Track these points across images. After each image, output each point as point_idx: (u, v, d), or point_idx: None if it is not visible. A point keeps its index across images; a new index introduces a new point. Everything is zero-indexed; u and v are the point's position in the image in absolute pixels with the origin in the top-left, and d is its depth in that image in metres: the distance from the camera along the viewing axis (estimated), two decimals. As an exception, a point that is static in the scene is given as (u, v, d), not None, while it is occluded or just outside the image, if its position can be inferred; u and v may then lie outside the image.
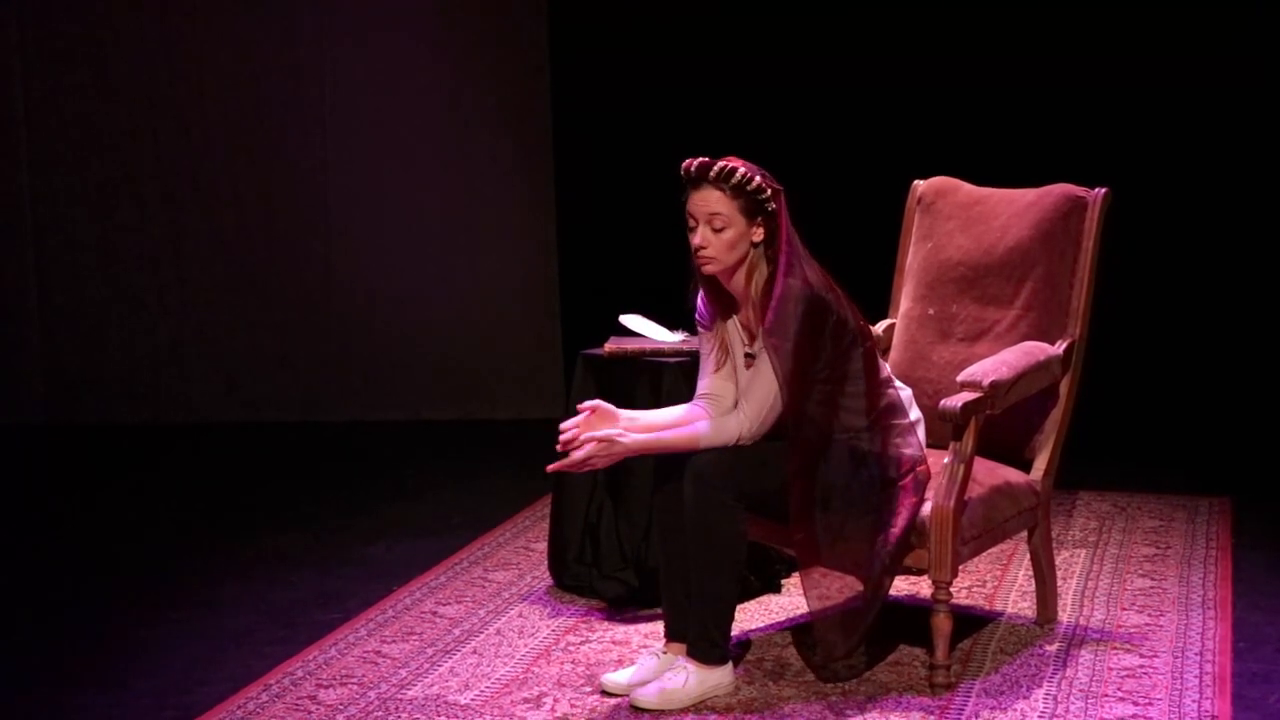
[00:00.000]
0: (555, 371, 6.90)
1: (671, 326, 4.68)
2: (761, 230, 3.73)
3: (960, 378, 3.88)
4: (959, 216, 4.33)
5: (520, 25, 6.92)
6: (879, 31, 6.35)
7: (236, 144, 7.01)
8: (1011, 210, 4.24)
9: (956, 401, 3.79)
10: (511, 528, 5.34)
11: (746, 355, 3.83)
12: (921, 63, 6.31)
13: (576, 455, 3.71)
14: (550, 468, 3.79)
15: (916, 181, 4.48)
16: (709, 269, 3.75)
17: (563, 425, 3.80)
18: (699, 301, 3.89)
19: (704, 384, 3.89)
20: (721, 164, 3.70)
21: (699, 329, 3.93)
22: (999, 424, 3.96)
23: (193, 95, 7.00)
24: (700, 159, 3.72)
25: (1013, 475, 4.09)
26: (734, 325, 3.86)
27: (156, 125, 7.02)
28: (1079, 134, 6.17)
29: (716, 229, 3.71)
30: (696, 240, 3.73)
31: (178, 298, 7.11)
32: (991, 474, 4.02)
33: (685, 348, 4.54)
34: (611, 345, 4.61)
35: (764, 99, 6.47)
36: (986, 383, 3.83)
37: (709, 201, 3.71)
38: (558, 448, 3.78)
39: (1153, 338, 6.27)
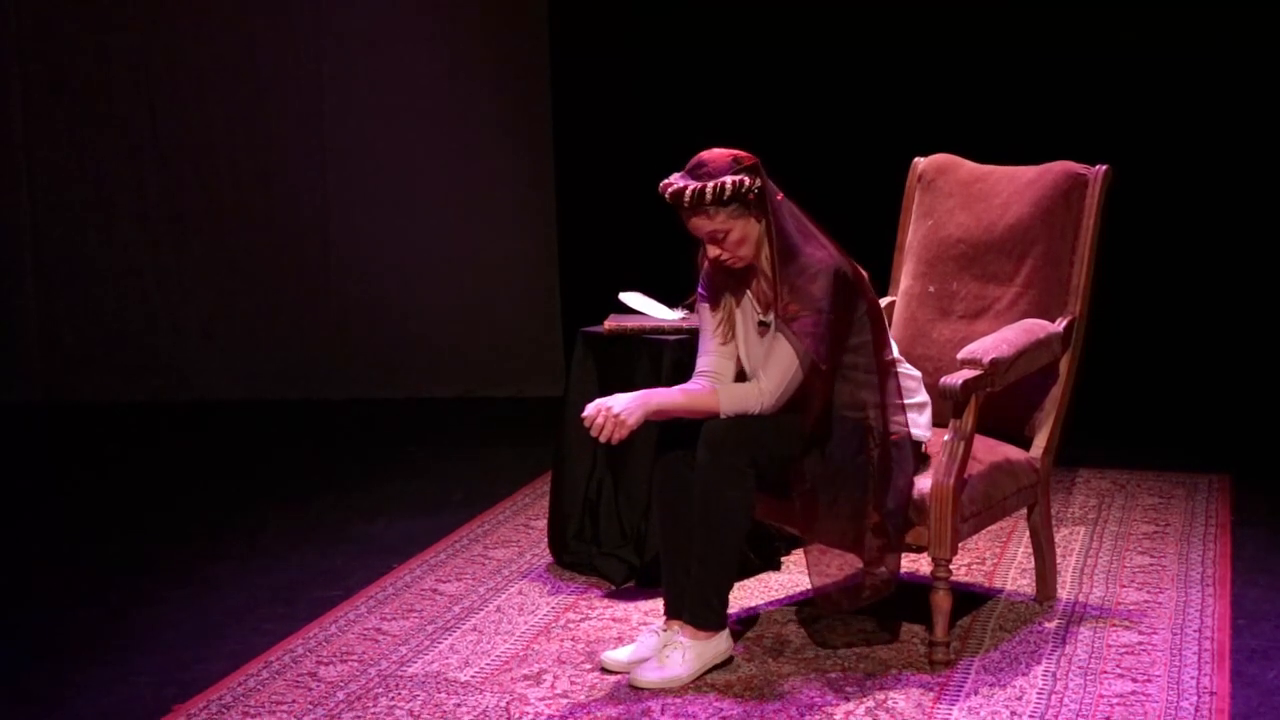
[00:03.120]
0: (555, 349, 6.89)
1: (671, 304, 4.68)
2: (761, 214, 3.74)
3: (960, 355, 3.87)
4: (959, 194, 4.32)
5: (521, 4, 6.90)
6: (878, 10, 6.33)
7: (235, 122, 6.99)
8: (1012, 187, 4.24)
9: (957, 379, 3.79)
10: (511, 505, 5.35)
11: (760, 324, 3.82)
12: (922, 40, 6.30)
13: (599, 424, 3.69)
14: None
15: (917, 159, 4.47)
16: (739, 265, 3.77)
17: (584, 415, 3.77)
18: (703, 274, 3.89)
19: (704, 360, 3.89)
20: (692, 189, 3.66)
21: (699, 303, 3.92)
22: (999, 401, 3.96)
23: (191, 72, 6.98)
24: (671, 188, 3.70)
25: (1013, 453, 4.09)
26: (747, 296, 3.85)
27: (155, 104, 7.00)
28: (1080, 111, 6.16)
29: (721, 239, 3.73)
30: (711, 255, 3.75)
31: (176, 276, 7.10)
32: (991, 451, 4.02)
33: (685, 325, 4.54)
34: (611, 323, 4.60)
35: (764, 76, 6.46)
36: (987, 360, 3.82)
37: (702, 225, 3.72)
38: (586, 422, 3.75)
39: (1153, 315, 6.28)
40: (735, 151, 3.73)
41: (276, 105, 6.98)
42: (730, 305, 3.86)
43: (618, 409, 3.69)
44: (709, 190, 3.66)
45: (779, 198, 3.76)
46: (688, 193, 3.68)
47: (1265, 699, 3.62)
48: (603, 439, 3.71)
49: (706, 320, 3.90)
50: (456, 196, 7.02)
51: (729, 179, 3.67)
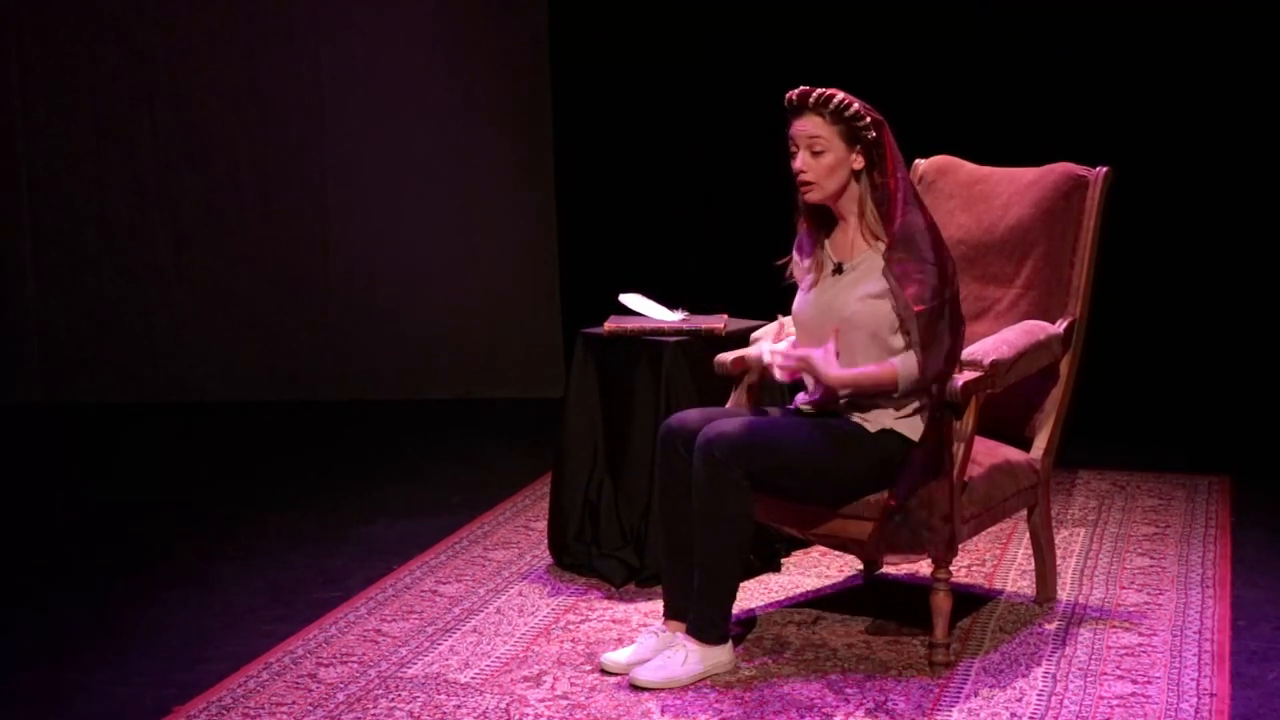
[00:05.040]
0: (555, 350, 6.89)
1: (671, 305, 4.68)
2: (861, 158, 3.78)
3: (961, 356, 3.87)
4: (960, 195, 4.32)
5: (521, 5, 6.89)
6: (879, 11, 6.33)
7: (235, 121, 7.00)
8: (1013, 189, 4.24)
9: (957, 380, 3.79)
10: (511, 506, 5.34)
11: (835, 269, 3.83)
12: (921, 41, 6.30)
13: (782, 362, 3.72)
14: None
15: (918, 160, 4.47)
16: (810, 195, 3.81)
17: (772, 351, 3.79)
18: (795, 246, 3.93)
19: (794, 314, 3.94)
20: (820, 91, 3.78)
21: (790, 274, 3.94)
22: (999, 403, 3.96)
23: (190, 75, 6.98)
24: (802, 87, 3.80)
25: (1013, 454, 4.09)
26: (826, 250, 3.88)
27: (155, 106, 7.00)
28: (1080, 111, 6.16)
29: (815, 153, 3.77)
30: (797, 164, 3.80)
31: (175, 277, 7.10)
32: (991, 453, 4.02)
33: (685, 326, 4.54)
34: (611, 324, 4.60)
35: (764, 78, 6.43)
36: (987, 362, 3.82)
37: (808, 127, 3.78)
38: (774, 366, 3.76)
39: (1153, 317, 6.27)
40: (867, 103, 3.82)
41: (276, 106, 6.98)
42: (817, 262, 3.88)
43: (821, 369, 3.69)
44: (838, 98, 3.76)
45: (899, 156, 3.80)
46: (816, 91, 3.77)
47: (1265, 700, 3.62)
48: (780, 373, 3.71)
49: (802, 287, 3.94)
50: (456, 197, 7.02)
51: (859, 103, 3.77)
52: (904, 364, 3.74)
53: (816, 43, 6.36)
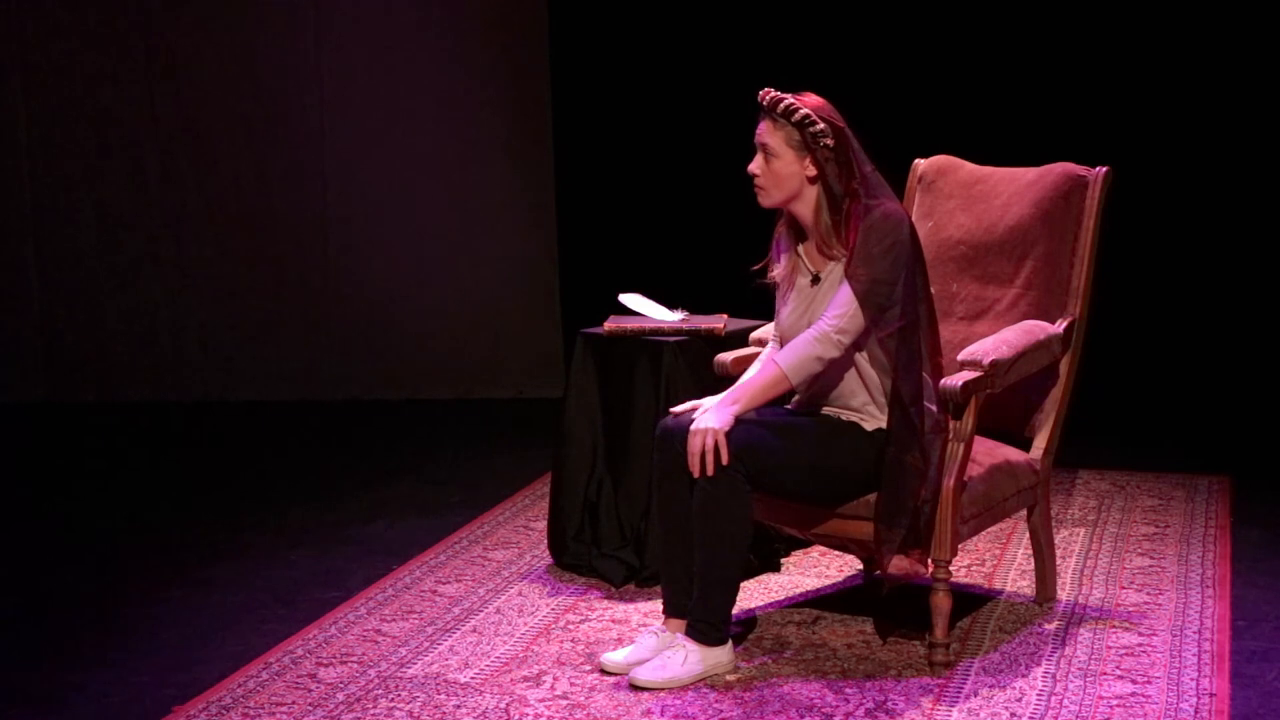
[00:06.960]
0: (555, 350, 6.90)
1: (671, 305, 4.68)
2: (814, 167, 3.76)
3: (960, 356, 3.87)
4: (960, 195, 4.32)
5: (521, 5, 6.89)
6: (879, 12, 6.33)
7: (235, 122, 7.00)
8: (1012, 189, 4.24)
9: (957, 380, 3.79)
10: (511, 506, 5.34)
11: (813, 279, 3.85)
12: (921, 41, 6.30)
13: (693, 461, 3.68)
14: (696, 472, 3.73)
15: (917, 160, 4.47)
16: (761, 199, 3.84)
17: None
18: (774, 245, 3.94)
19: (777, 326, 3.97)
20: (774, 95, 3.78)
21: (769, 273, 3.95)
22: (999, 403, 3.96)
23: (192, 73, 6.99)
24: (764, 89, 3.80)
25: (1012, 454, 4.09)
26: (800, 257, 3.89)
27: (156, 106, 7.00)
28: (1080, 111, 6.16)
29: (766, 158, 3.79)
30: (750, 167, 3.81)
31: (177, 277, 7.11)
32: (991, 453, 4.02)
33: (685, 326, 4.54)
34: (611, 324, 4.60)
35: (763, 79, 6.43)
36: (987, 362, 3.83)
37: (762, 131, 3.80)
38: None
39: (1153, 317, 6.28)
40: (835, 110, 3.80)
41: (277, 106, 6.98)
42: (795, 263, 3.90)
43: (715, 425, 3.67)
44: (785, 102, 3.75)
45: (868, 169, 3.79)
46: (771, 95, 3.78)
47: (1265, 700, 3.62)
48: (709, 463, 3.65)
49: (780, 287, 3.95)
50: (456, 197, 7.02)
51: (808, 110, 3.75)
52: (785, 352, 3.76)
53: (817, 43, 6.37)
